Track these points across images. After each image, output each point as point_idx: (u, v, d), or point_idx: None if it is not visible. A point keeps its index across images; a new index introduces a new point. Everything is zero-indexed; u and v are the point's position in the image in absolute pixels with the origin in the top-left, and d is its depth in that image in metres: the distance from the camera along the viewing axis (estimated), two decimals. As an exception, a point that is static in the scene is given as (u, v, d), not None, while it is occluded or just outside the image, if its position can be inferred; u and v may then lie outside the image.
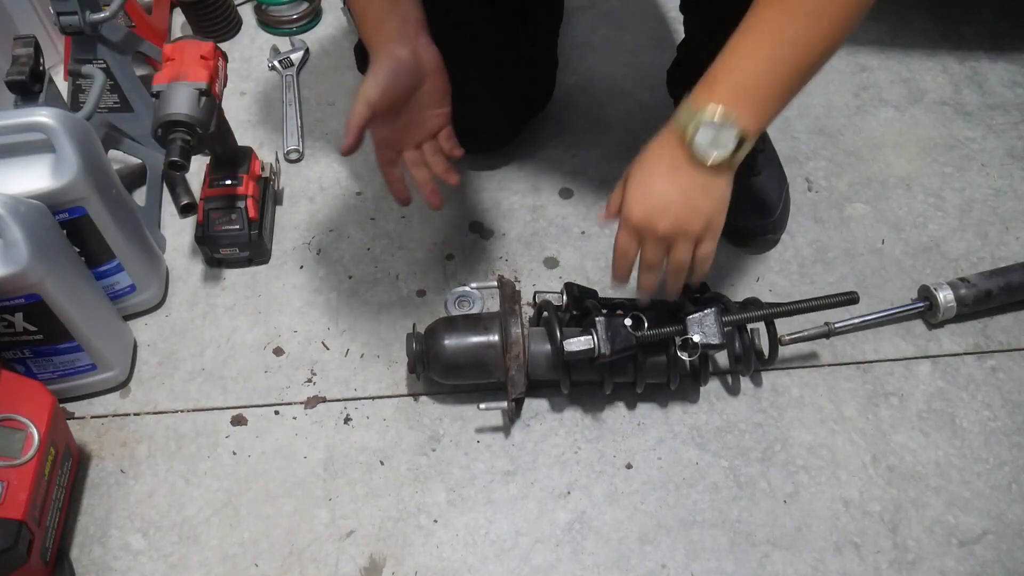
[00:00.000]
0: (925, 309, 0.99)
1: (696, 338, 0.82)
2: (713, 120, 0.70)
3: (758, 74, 0.70)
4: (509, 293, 0.89)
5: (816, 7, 0.68)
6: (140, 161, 1.11)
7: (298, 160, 1.16)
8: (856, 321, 0.98)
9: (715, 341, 0.82)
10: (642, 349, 0.84)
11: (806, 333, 0.95)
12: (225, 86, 0.94)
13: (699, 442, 0.90)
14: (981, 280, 0.98)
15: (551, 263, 1.05)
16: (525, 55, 1.03)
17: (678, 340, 0.83)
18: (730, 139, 0.70)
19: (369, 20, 0.80)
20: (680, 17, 1.04)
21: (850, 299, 0.88)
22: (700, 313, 0.83)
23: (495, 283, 0.91)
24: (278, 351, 0.97)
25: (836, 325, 0.95)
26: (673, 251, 0.76)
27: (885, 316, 0.98)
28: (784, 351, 0.96)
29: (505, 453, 0.90)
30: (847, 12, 0.68)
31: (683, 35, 1.12)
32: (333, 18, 1.37)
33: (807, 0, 0.68)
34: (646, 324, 0.83)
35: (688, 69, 1.10)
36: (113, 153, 1.05)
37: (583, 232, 1.08)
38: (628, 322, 0.82)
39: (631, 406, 0.93)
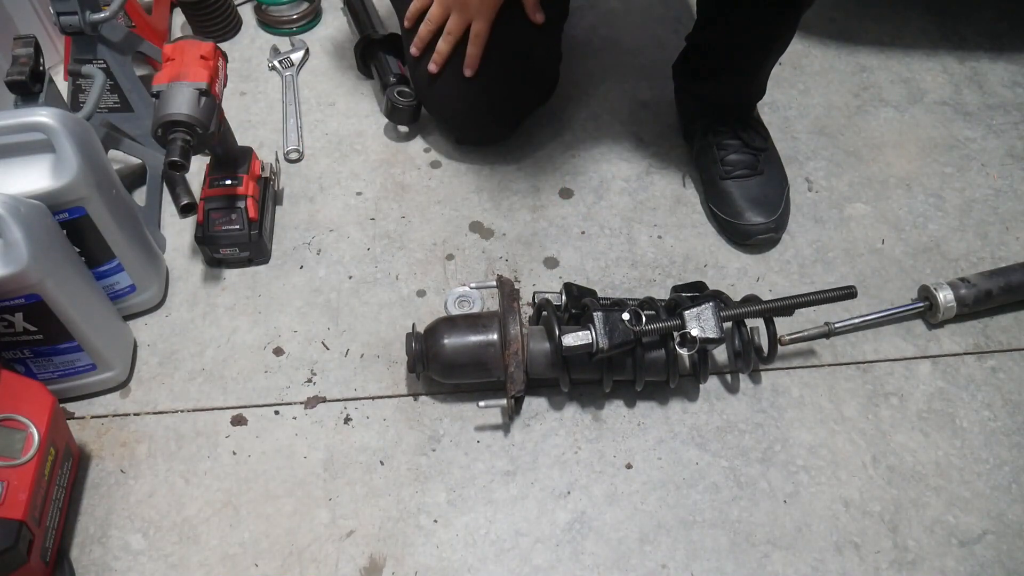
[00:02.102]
0: (925, 309, 0.99)
1: (694, 332, 0.82)
2: None
3: None
4: (508, 292, 0.88)
5: None
6: (140, 161, 1.11)
7: (298, 160, 1.16)
8: (856, 321, 0.98)
9: (713, 335, 0.82)
10: (641, 345, 0.84)
11: (806, 333, 0.95)
12: (225, 86, 0.94)
13: (699, 442, 0.90)
14: (981, 280, 0.98)
15: (551, 263, 1.05)
16: (530, 46, 1.03)
17: (676, 335, 0.83)
18: None
19: None
20: (679, 17, 1.04)
21: (848, 293, 0.87)
22: (698, 308, 0.83)
23: (495, 283, 0.91)
24: (278, 351, 0.97)
25: (836, 325, 0.95)
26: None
27: (885, 316, 0.98)
28: (784, 351, 0.96)
29: (505, 453, 0.90)
30: None
31: (684, 35, 1.12)
32: (333, 18, 1.37)
33: None
34: (644, 319, 0.83)
35: (698, 58, 1.10)
36: (113, 153, 1.05)
37: (583, 232, 1.08)
38: (626, 316, 0.82)
39: (631, 405, 0.93)
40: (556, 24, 1.08)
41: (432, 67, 1.01)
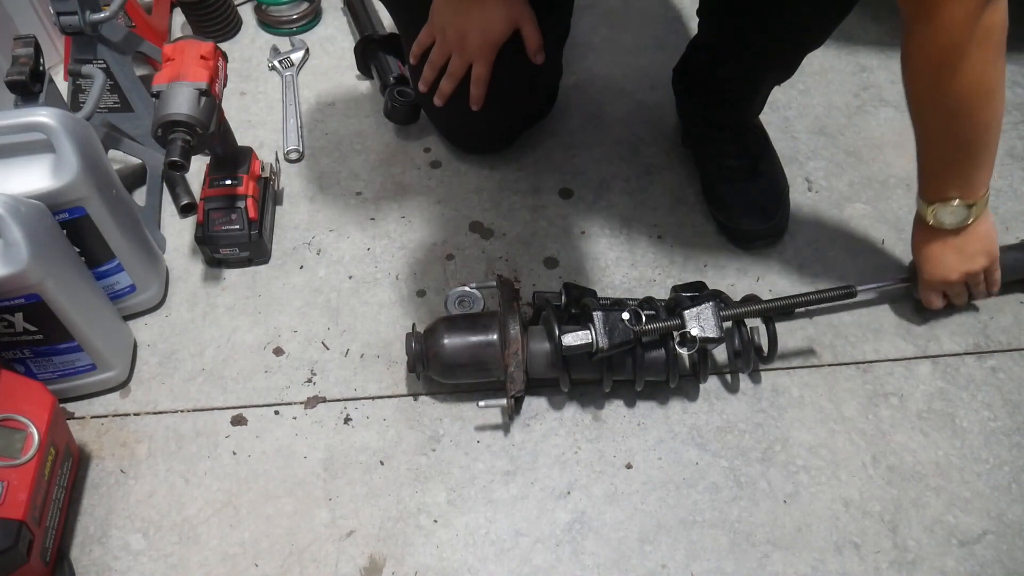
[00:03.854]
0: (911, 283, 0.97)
1: (694, 332, 0.82)
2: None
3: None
4: (508, 292, 0.89)
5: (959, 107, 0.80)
6: (140, 161, 1.11)
7: (298, 160, 1.16)
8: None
9: (713, 335, 0.82)
10: (641, 344, 0.84)
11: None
12: (225, 86, 0.94)
13: (699, 442, 0.90)
14: None
15: (551, 263, 1.05)
16: (532, 77, 1.03)
17: (676, 335, 0.83)
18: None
19: None
20: (679, 17, 1.04)
21: (848, 293, 0.88)
22: (698, 307, 0.83)
23: (495, 283, 0.91)
24: (278, 351, 0.97)
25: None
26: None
27: (877, 288, 0.97)
28: (784, 350, 0.96)
29: (505, 453, 0.90)
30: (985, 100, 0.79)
31: (684, 35, 1.12)
32: (333, 18, 1.37)
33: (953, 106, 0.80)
34: (644, 319, 0.83)
35: (693, 75, 1.10)
36: (113, 153, 1.05)
37: (583, 232, 1.08)
38: (626, 316, 0.82)
39: (631, 405, 0.93)
40: (558, 47, 1.09)
41: (437, 102, 1.02)
